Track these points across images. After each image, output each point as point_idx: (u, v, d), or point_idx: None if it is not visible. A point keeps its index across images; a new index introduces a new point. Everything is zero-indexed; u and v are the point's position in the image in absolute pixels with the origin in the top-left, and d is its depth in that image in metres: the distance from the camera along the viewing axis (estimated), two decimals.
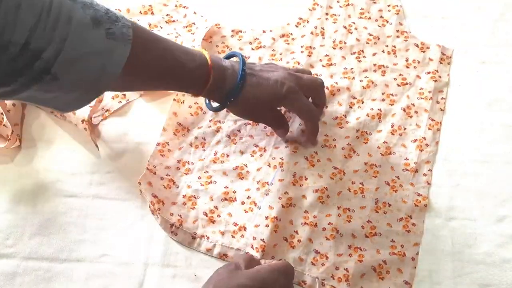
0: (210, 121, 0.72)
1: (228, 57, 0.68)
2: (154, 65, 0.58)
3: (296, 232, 0.63)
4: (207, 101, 0.68)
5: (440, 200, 0.66)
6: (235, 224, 0.64)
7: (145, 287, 0.60)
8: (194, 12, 0.82)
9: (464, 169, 0.68)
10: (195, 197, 0.66)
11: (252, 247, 0.62)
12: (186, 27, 0.81)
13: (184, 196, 0.66)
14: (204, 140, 0.70)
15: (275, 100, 0.65)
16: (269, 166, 0.67)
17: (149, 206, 0.65)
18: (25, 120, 0.72)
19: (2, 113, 0.68)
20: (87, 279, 0.61)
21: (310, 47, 0.78)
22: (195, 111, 0.73)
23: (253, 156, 0.69)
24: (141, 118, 0.73)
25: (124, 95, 0.74)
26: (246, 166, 0.68)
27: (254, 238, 0.62)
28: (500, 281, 0.60)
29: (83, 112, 0.67)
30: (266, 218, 0.63)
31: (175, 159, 0.69)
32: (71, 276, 0.61)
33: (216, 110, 0.67)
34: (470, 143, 0.70)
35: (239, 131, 0.71)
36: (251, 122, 0.71)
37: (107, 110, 0.73)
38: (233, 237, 0.63)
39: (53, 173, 0.68)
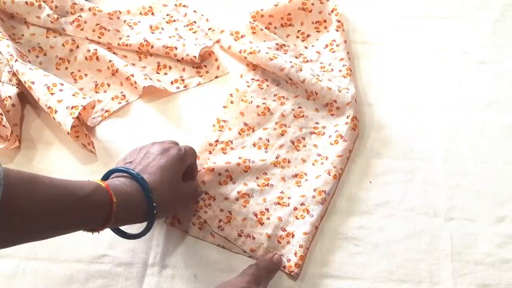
0: (276, 123, 0.71)
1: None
2: (36, 201, 0.49)
3: None
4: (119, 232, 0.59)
5: (440, 200, 0.66)
6: (283, 230, 0.64)
7: None
8: (194, 11, 0.82)
9: (464, 169, 0.68)
10: (248, 196, 0.66)
11: (295, 254, 0.61)
12: (188, 25, 0.81)
13: (238, 193, 0.66)
14: (268, 142, 0.70)
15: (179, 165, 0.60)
16: (329, 175, 0.66)
17: (199, 202, 0.65)
18: (25, 121, 0.72)
19: (1, 114, 0.68)
20: (87, 279, 0.61)
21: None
22: (262, 111, 0.72)
23: (314, 165, 0.68)
24: (141, 119, 0.73)
25: (124, 95, 0.74)
26: (306, 175, 0.67)
27: (301, 246, 0.62)
28: (499, 281, 0.60)
29: (66, 125, 0.66)
30: (316, 228, 0.63)
31: (237, 156, 0.68)
32: (71, 276, 0.61)
33: (140, 235, 0.58)
34: (469, 143, 0.70)
35: (303, 138, 0.70)
36: (316, 131, 0.70)
37: (106, 111, 0.73)
38: (279, 242, 0.63)
39: (53, 173, 0.67)
